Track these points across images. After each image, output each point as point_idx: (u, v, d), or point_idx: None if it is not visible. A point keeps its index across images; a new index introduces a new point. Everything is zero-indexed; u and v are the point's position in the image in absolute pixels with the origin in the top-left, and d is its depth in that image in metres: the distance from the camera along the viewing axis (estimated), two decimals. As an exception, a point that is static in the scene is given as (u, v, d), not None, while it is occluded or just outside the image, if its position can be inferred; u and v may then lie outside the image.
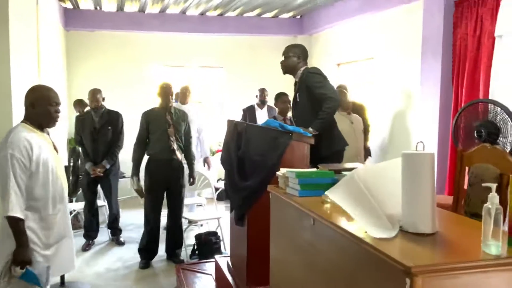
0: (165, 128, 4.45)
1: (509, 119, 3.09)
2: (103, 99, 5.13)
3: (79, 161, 4.93)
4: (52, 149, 2.65)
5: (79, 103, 6.44)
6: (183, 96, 5.91)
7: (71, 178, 4.53)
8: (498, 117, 3.32)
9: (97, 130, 5.01)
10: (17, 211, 2.39)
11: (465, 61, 4.37)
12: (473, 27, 4.26)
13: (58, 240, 2.65)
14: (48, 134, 2.70)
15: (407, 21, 5.47)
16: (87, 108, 5.73)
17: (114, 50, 7.67)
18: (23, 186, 2.44)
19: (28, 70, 4.38)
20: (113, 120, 5.10)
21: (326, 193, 1.76)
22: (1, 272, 2.44)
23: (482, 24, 4.16)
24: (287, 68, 3.75)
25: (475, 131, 3.17)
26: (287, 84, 7.84)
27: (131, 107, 6.37)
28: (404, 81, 5.54)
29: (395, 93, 5.74)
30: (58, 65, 6.50)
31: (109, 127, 5.05)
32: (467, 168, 2.43)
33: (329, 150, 3.34)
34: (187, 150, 4.65)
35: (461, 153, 2.43)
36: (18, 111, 3.81)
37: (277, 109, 5.57)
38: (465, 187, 2.47)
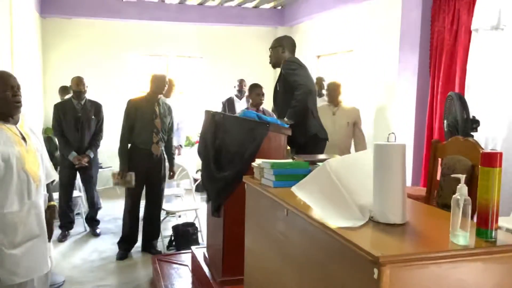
0: (151, 119, 4.38)
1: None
2: (86, 87, 5.03)
3: (57, 151, 4.84)
4: (17, 140, 2.36)
5: (65, 90, 6.18)
6: (168, 89, 5.79)
7: None
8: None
9: (81, 119, 4.92)
10: None
11: (441, 54, 4.42)
12: (450, 20, 4.30)
13: (29, 239, 2.38)
14: (16, 124, 2.39)
15: (386, 13, 5.50)
16: (67, 96, 5.63)
17: (92, 38, 7.55)
18: None
19: (1, 57, 4.26)
20: (97, 110, 5.05)
21: (292, 188, 1.76)
22: None
23: (459, 18, 4.20)
24: (273, 60, 3.74)
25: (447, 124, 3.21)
26: (267, 76, 7.88)
27: (108, 96, 6.29)
28: (383, 74, 5.58)
29: (374, 85, 5.78)
30: (33, 53, 6.36)
31: (93, 117, 4.99)
32: (440, 160, 2.46)
33: (304, 137, 3.37)
34: (169, 144, 4.60)
35: (434, 145, 2.46)
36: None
37: (250, 101, 5.51)
38: (438, 178, 2.50)
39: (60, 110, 4.95)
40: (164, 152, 4.58)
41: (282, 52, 3.68)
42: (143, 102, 4.45)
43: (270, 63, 3.81)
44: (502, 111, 3.78)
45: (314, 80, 4.05)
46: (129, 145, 4.44)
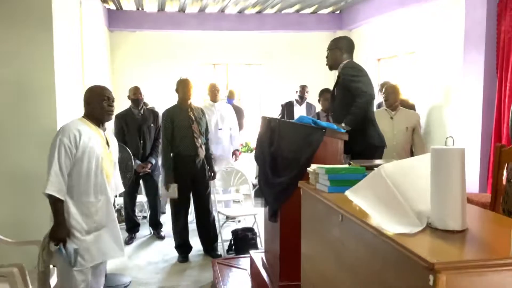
0: (189, 125, 4.47)
1: None
2: (143, 96, 5.26)
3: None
4: (103, 143, 2.77)
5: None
6: (212, 94, 5.87)
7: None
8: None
9: (142, 128, 5.12)
10: (54, 191, 2.56)
11: (509, 54, 4.20)
12: (518, 18, 4.09)
13: (98, 229, 2.77)
14: (105, 130, 2.84)
15: (449, 14, 5.31)
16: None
17: (155, 50, 7.86)
18: (65, 170, 2.61)
19: (72, 70, 4.55)
20: (155, 117, 5.25)
21: (346, 193, 1.75)
22: (43, 245, 2.67)
23: (528, 15, 3.98)
24: (329, 61, 3.65)
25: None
26: (328, 81, 7.82)
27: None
28: (447, 76, 5.38)
29: (437, 88, 5.58)
30: (102, 64, 6.72)
31: (152, 125, 5.19)
32: (506, 165, 2.35)
33: (362, 145, 3.30)
34: (206, 147, 4.66)
35: (499, 149, 2.35)
36: (62, 109, 3.99)
37: (320, 106, 5.56)
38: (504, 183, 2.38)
39: (122, 120, 5.14)
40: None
41: (340, 54, 3.58)
42: (177, 110, 4.53)
43: (326, 64, 3.73)
44: None
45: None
46: (172, 154, 4.49)
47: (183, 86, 4.53)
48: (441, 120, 5.42)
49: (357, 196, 1.67)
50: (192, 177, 4.55)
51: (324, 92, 5.20)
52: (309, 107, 6.35)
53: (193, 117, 4.51)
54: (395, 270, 1.44)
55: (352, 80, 3.38)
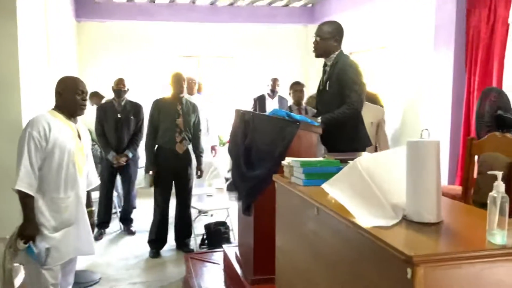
0: (174, 118, 4.45)
1: None
2: (128, 90, 5.19)
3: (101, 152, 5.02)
4: (74, 135, 2.67)
5: (95, 95, 6.38)
6: (189, 87, 5.88)
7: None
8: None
9: (121, 120, 5.06)
10: (24, 186, 2.47)
11: (478, 49, 4.29)
12: (486, 14, 4.17)
13: (68, 225, 2.67)
14: (76, 123, 2.73)
15: (420, 9, 5.37)
16: (103, 99, 5.81)
17: (125, 41, 7.69)
18: (35, 165, 2.51)
19: (37, 61, 4.40)
20: (136, 110, 5.17)
21: (323, 185, 1.73)
22: (9, 242, 2.56)
23: (496, 11, 4.07)
24: (322, 51, 3.28)
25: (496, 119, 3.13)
26: (300, 74, 7.84)
27: (142, 98, 6.37)
28: (417, 70, 5.45)
29: (407, 82, 5.66)
30: (69, 56, 6.53)
31: (132, 117, 5.11)
32: (476, 157, 2.39)
33: (348, 148, 3.11)
34: (196, 143, 4.64)
35: (470, 142, 2.38)
36: (27, 101, 3.85)
37: (291, 99, 5.54)
38: (475, 176, 2.43)
39: (101, 111, 5.12)
40: (192, 151, 4.62)
41: (334, 44, 3.24)
42: (166, 102, 4.52)
43: (314, 51, 3.33)
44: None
45: None
46: (156, 145, 4.51)
47: (174, 80, 4.51)
48: (412, 114, 5.49)
49: (334, 189, 1.65)
50: (174, 171, 4.51)
51: (294, 85, 5.17)
52: (281, 100, 6.33)
53: (180, 111, 4.47)
54: (372, 263, 1.43)
55: (349, 84, 3.13)
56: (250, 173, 2.85)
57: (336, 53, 3.26)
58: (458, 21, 4.48)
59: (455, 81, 4.57)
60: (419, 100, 5.42)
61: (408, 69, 5.63)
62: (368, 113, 4.46)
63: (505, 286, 1.26)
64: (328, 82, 3.26)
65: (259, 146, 2.88)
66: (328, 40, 3.23)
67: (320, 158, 2.27)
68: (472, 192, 2.35)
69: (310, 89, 7.77)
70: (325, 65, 3.34)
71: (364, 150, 3.17)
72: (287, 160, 2.24)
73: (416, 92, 5.48)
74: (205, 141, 5.84)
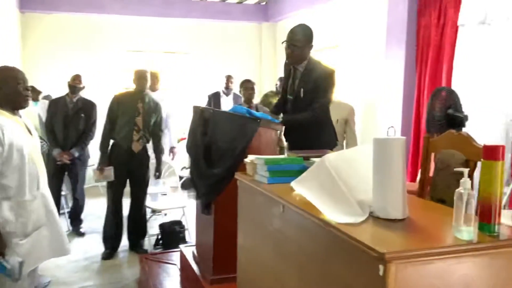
0: (134, 116, 4.30)
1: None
2: (83, 87, 5.01)
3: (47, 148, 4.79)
4: (25, 131, 2.49)
5: (32, 91, 6.10)
6: (152, 83, 5.75)
7: None
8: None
9: (70, 117, 4.87)
10: None
11: (428, 49, 4.43)
12: (436, 15, 4.31)
13: (37, 228, 2.50)
14: (20, 116, 2.55)
15: (372, 9, 5.50)
16: (40, 95, 5.55)
17: (73, 34, 7.39)
18: None
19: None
20: (88, 108, 4.98)
21: (291, 184, 1.72)
22: None
23: (446, 13, 4.21)
24: (298, 59, 3.17)
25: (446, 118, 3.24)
26: (254, 71, 7.83)
27: (91, 94, 6.14)
28: (369, 69, 5.58)
29: (360, 82, 5.77)
30: (12, 48, 6.19)
31: (82, 115, 4.92)
32: (433, 154, 2.46)
33: (314, 147, 3.01)
34: (156, 143, 4.51)
35: (427, 139, 2.45)
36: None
37: (242, 97, 5.49)
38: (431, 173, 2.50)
39: (53, 105, 4.93)
40: (153, 150, 4.50)
41: (308, 51, 3.18)
42: (127, 98, 4.37)
43: (289, 60, 3.23)
44: (489, 105, 3.81)
45: None
46: (112, 141, 4.36)
47: (136, 77, 4.37)
48: (367, 112, 5.60)
49: (302, 187, 1.64)
50: (128, 169, 4.36)
51: (245, 82, 5.11)
52: (237, 98, 6.30)
53: (141, 110, 4.32)
54: (341, 260, 1.43)
55: (321, 92, 3.12)
56: (210, 171, 2.79)
57: (308, 59, 3.20)
58: (410, 22, 4.61)
59: (406, 81, 4.71)
60: (373, 99, 5.54)
61: (361, 68, 5.75)
62: (334, 111, 4.43)
63: (472, 281, 1.29)
64: (302, 89, 3.17)
65: (219, 144, 2.83)
66: (304, 47, 3.14)
67: (284, 156, 2.26)
68: (429, 188, 2.41)
69: (265, 87, 7.82)
70: (294, 69, 3.27)
71: (331, 149, 3.08)
72: (250, 158, 2.21)
73: (369, 90, 5.61)
74: (169, 140, 5.75)
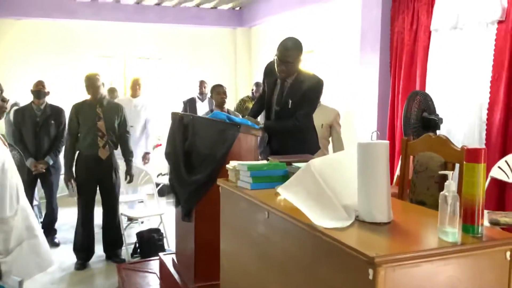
0: (94, 122, 4.21)
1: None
2: (48, 93, 4.89)
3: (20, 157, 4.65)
4: (1, 144, 2.42)
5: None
6: (133, 89, 5.69)
7: None
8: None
9: (40, 124, 4.75)
10: None
11: (402, 54, 4.51)
12: (409, 21, 4.40)
13: (19, 243, 2.42)
14: None
15: (347, 14, 5.57)
16: (7, 103, 5.40)
17: (44, 40, 7.22)
18: None
19: None
20: (57, 114, 4.88)
21: (278, 190, 1.72)
22: None
23: (418, 18, 4.30)
24: (291, 73, 3.17)
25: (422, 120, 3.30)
26: (229, 76, 7.81)
27: (62, 101, 6.01)
28: (344, 74, 5.64)
29: (335, 86, 5.82)
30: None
31: (52, 121, 4.82)
32: (411, 157, 2.49)
33: (296, 152, 3.12)
34: (123, 146, 4.41)
35: (405, 142, 2.48)
36: None
37: (213, 102, 5.46)
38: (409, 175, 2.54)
39: (19, 115, 4.79)
40: (121, 155, 4.42)
41: (300, 63, 3.19)
42: (85, 106, 4.28)
43: (283, 75, 3.19)
44: (462, 108, 3.90)
45: None
46: (77, 152, 4.28)
47: (87, 83, 4.25)
48: (345, 117, 5.63)
49: (288, 192, 1.64)
50: (96, 178, 4.27)
51: (217, 87, 5.06)
52: (212, 103, 6.27)
53: (101, 114, 4.22)
54: (328, 265, 1.43)
55: (307, 102, 3.16)
56: (191, 178, 2.76)
57: (310, 76, 3.24)
58: (383, 27, 4.69)
59: (381, 85, 4.77)
60: (349, 103, 5.60)
61: (336, 73, 5.81)
62: (319, 115, 4.34)
63: (458, 282, 1.32)
64: (291, 100, 3.17)
65: (199, 150, 2.81)
66: (297, 62, 3.15)
67: (266, 161, 2.25)
68: (408, 191, 2.44)
69: (240, 92, 7.82)
70: (283, 80, 3.25)
71: (312, 154, 3.06)
72: (232, 164, 2.19)
73: (345, 95, 5.66)
74: (145, 145, 5.69)
